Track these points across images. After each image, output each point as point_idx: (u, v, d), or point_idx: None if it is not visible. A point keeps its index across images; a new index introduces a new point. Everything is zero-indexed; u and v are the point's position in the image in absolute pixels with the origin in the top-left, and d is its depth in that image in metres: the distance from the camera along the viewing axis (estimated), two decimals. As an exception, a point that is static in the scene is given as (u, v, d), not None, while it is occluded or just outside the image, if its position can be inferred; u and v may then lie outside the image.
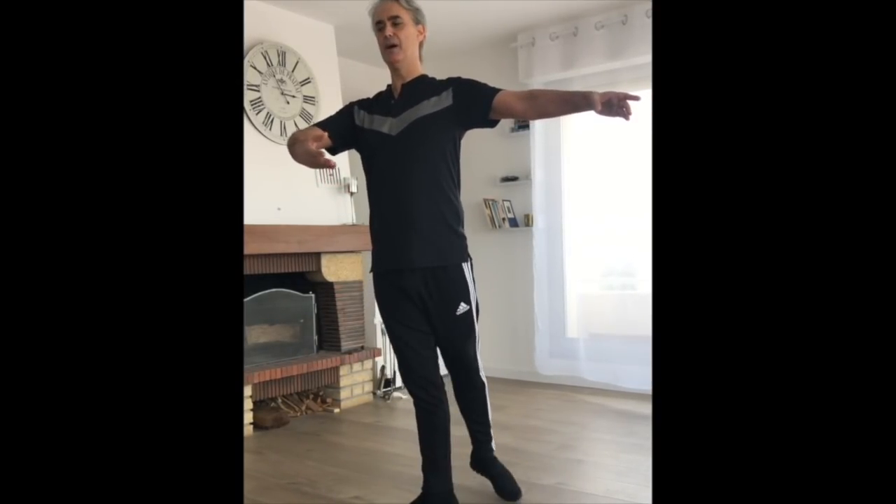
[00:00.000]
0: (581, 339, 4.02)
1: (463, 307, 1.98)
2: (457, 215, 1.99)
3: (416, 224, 1.90)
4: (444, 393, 2.10)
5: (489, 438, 2.29)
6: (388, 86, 2.05)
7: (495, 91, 1.93)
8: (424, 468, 2.10)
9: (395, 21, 1.92)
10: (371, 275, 2.10)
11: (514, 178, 4.38)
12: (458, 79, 1.99)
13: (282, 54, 3.61)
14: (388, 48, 1.93)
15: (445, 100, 1.93)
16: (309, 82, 3.73)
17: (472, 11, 3.82)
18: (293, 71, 3.66)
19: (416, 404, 2.10)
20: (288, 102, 3.62)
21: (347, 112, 2.07)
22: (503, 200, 4.43)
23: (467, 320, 2.01)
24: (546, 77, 4.09)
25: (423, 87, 1.97)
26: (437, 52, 4.48)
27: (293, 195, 3.57)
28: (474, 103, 1.93)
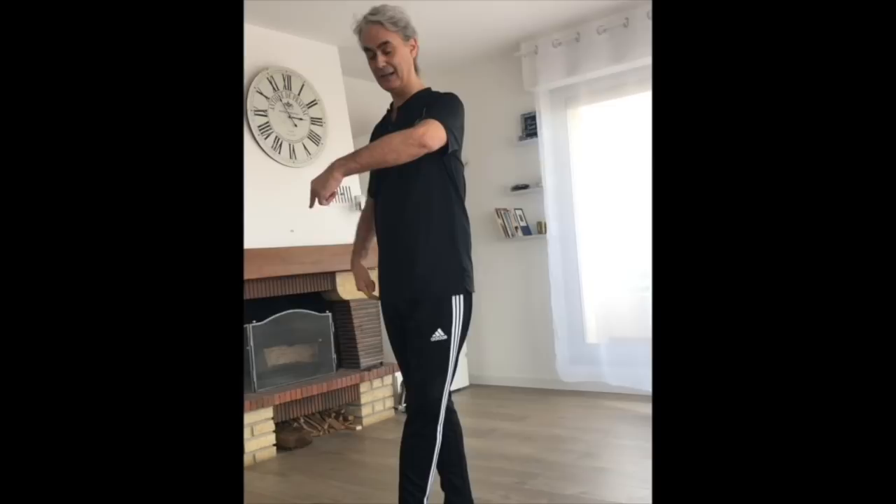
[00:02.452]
0: (602, 343, 3.99)
1: (439, 334, 1.82)
2: (454, 242, 1.87)
3: (405, 255, 1.84)
4: (453, 413, 1.99)
5: None
6: (391, 104, 2.01)
7: (432, 114, 1.79)
8: (443, 486, 2.04)
9: (385, 49, 1.83)
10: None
11: (525, 186, 4.38)
12: (437, 95, 1.91)
13: (287, 78, 3.66)
14: (382, 77, 1.87)
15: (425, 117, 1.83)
16: (315, 104, 3.78)
17: (474, 23, 3.84)
18: (299, 94, 3.71)
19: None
20: (296, 125, 3.66)
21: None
22: (515, 209, 4.43)
23: (441, 351, 1.82)
24: (551, 84, 4.09)
25: (416, 106, 1.89)
26: (443, 65, 4.51)
27: (305, 217, 3.60)
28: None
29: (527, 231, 4.40)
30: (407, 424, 1.89)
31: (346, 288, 3.72)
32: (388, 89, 1.91)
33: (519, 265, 4.47)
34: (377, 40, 1.83)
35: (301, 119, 3.69)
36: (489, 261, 4.58)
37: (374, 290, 2.06)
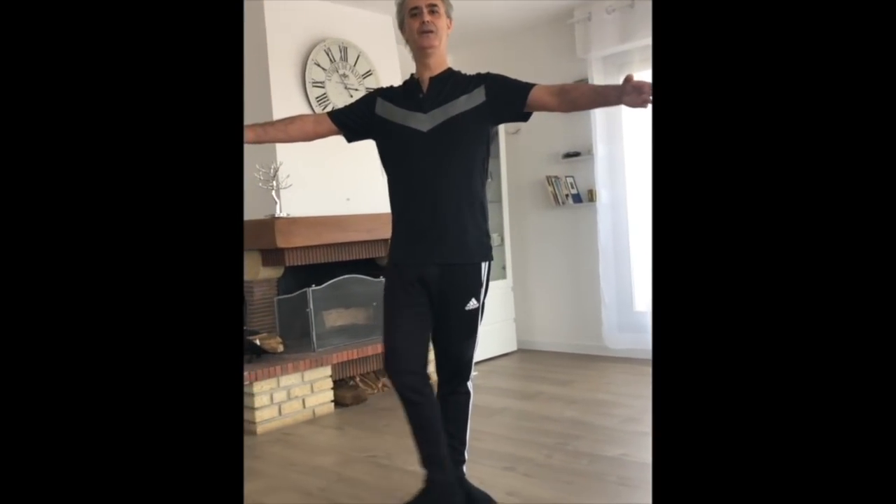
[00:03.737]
0: (649, 312, 4.04)
1: (473, 303, 1.98)
2: (484, 213, 2.01)
3: (448, 221, 1.93)
4: (430, 386, 2.03)
5: (462, 459, 2.10)
6: (412, 76, 2.04)
7: (528, 86, 1.94)
8: (421, 463, 2.03)
9: (433, 9, 1.92)
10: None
11: (577, 154, 4.39)
12: (488, 75, 2.00)
13: (343, 49, 3.76)
14: (424, 33, 1.92)
15: (478, 97, 1.94)
16: (370, 74, 3.87)
17: (526, -9, 3.84)
18: (355, 65, 3.81)
19: (401, 398, 2.02)
20: (351, 96, 3.77)
21: (367, 102, 2.07)
22: (566, 177, 4.46)
23: (473, 318, 2.00)
24: (604, 51, 4.07)
25: (453, 82, 1.98)
26: (496, 32, 4.52)
27: (361, 186, 3.74)
28: (509, 99, 1.95)
29: (577, 199, 4.43)
30: (441, 385, 2.08)
31: (400, 254, 3.87)
32: (426, 47, 1.94)
33: (569, 232, 4.52)
34: (428, 0, 1.92)
35: (356, 90, 3.80)
36: (539, 228, 4.65)
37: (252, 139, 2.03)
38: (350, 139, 2.12)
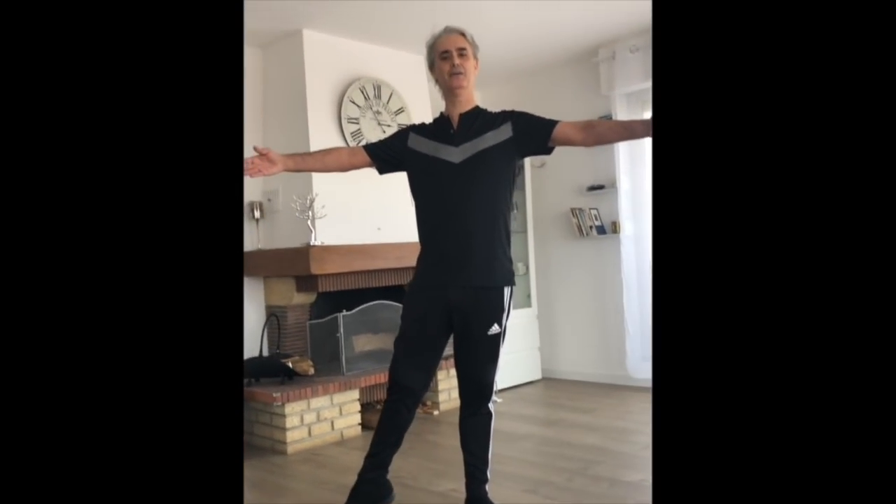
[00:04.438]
0: (672, 343, 4.07)
1: (495, 328, 2.09)
2: (508, 240, 2.14)
3: (474, 246, 2.05)
4: (418, 403, 2.22)
5: (485, 478, 2.19)
6: (442, 114, 2.19)
7: (553, 122, 2.10)
8: (367, 455, 2.23)
9: (462, 52, 2.08)
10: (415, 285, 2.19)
11: (601, 187, 4.50)
12: (514, 112, 2.16)
13: (377, 87, 3.96)
14: (455, 75, 2.07)
15: (505, 132, 2.10)
16: (402, 111, 4.06)
17: (554, 31, 4.01)
18: (388, 102, 4.01)
19: (388, 399, 2.21)
20: (384, 131, 3.96)
21: (400, 137, 2.23)
22: (590, 209, 4.57)
23: (495, 342, 2.11)
24: (627, 88, 4.20)
25: (482, 119, 2.13)
26: (523, 69, 4.69)
27: (390, 216, 3.90)
28: (534, 134, 2.11)
29: (601, 230, 4.53)
30: (464, 407, 2.20)
31: (427, 282, 4.00)
32: (456, 87, 2.11)
33: (593, 263, 4.61)
34: (456, 44, 2.10)
35: (389, 126, 3.98)
36: (564, 258, 4.75)
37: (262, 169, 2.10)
38: (382, 171, 2.27)
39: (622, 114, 4.31)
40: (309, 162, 2.24)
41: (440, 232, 2.12)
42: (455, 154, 2.09)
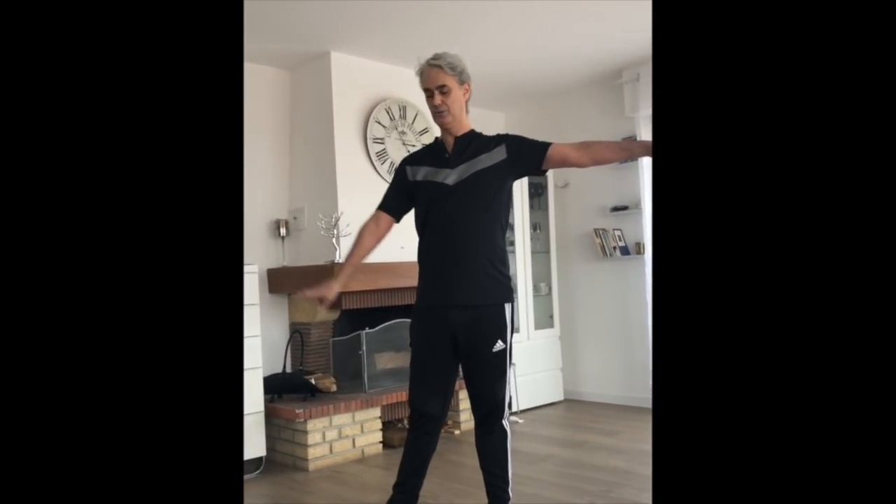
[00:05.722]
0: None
1: (500, 345, 2.09)
2: (503, 259, 2.14)
3: (469, 265, 2.07)
4: (439, 427, 2.20)
5: (507, 497, 2.16)
6: (437, 139, 2.23)
7: (546, 144, 2.12)
8: (395, 485, 2.22)
9: (442, 90, 2.07)
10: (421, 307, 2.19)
11: (625, 208, 4.50)
12: (507, 135, 2.19)
13: (402, 108, 4.02)
14: (437, 114, 2.11)
15: (499, 154, 2.12)
16: (427, 131, 4.11)
17: (578, 53, 4.04)
18: (413, 122, 4.06)
19: (409, 426, 2.23)
20: (408, 151, 4.01)
21: (400, 176, 2.25)
22: (614, 230, 4.56)
23: (502, 359, 2.10)
24: (651, 110, 4.20)
25: (477, 142, 2.15)
26: (547, 91, 4.73)
27: (413, 235, 3.92)
28: (527, 156, 2.13)
29: (625, 251, 4.51)
30: (478, 426, 2.18)
31: (450, 301, 4.01)
32: (440, 124, 2.16)
33: (616, 284, 4.58)
34: (435, 82, 2.09)
35: (413, 146, 4.03)
36: (586, 279, 4.73)
37: (323, 306, 2.24)
38: (399, 220, 2.31)
39: (646, 135, 4.31)
40: (354, 260, 2.28)
41: (435, 251, 2.14)
42: (450, 176, 2.12)
